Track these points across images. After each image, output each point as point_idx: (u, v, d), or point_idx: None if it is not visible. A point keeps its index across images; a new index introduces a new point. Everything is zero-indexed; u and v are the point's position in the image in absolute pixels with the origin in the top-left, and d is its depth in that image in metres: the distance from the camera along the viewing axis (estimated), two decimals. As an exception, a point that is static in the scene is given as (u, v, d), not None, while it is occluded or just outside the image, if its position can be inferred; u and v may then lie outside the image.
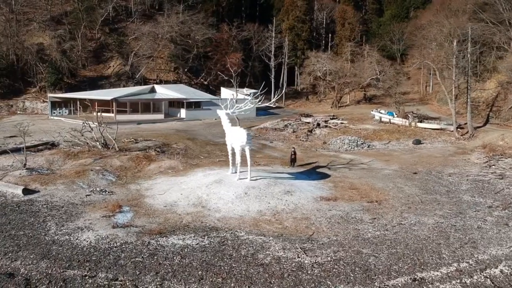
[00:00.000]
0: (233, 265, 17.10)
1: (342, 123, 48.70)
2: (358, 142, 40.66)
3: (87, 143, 36.82)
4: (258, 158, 36.61)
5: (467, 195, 26.24)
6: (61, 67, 66.77)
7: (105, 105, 56.95)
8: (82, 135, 37.40)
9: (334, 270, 16.68)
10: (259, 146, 41.89)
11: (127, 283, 16.04)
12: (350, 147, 40.15)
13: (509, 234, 20.33)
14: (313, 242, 19.25)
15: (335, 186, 27.85)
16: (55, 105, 60.05)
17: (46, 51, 67.90)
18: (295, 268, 16.79)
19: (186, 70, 76.81)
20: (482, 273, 16.85)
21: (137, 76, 71.36)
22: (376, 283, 15.64)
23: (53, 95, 61.33)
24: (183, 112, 58.87)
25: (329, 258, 17.51)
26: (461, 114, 52.66)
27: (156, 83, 72.67)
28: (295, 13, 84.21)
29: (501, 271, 16.95)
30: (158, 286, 15.82)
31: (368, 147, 40.51)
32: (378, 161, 35.45)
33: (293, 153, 33.91)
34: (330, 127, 47.67)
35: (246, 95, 67.03)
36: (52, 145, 39.53)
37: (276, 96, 36.18)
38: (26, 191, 25.02)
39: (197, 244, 18.89)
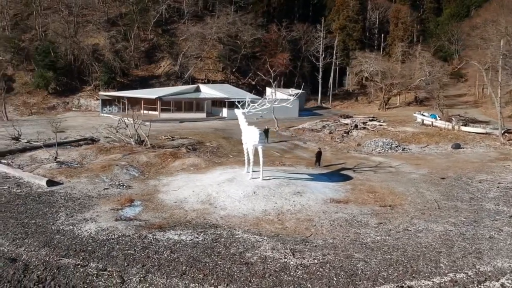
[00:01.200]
0: (219, 262, 17.27)
1: (381, 125, 47.36)
2: (392, 145, 39.38)
3: (123, 140, 38.30)
4: (285, 158, 36.54)
5: (491, 203, 24.74)
6: (114, 66, 69.90)
7: (151, 103, 59.00)
8: (117, 132, 38.98)
9: (318, 273, 16.41)
10: (291, 146, 41.73)
11: (114, 274, 16.66)
12: (383, 150, 38.99)
13: (522, 246, 18.98)
14: (307, 243, 19.02)
15: (353, 189, 27.24)
16: (106, 103, 63.00)
17: (101, 51, 71.34)
18: (278, 268, 16.69)
19: (234, 70, 77.80)
20: (479, 285, 15.95)
21: (185, 76, 73.24)
22: (355, 289, 15.26)
23: (103, 93, 64.38)
24: (224, 112, 59.72)
25: (316, 261, 17.24)
26: (512, 118, 49.55)
27: (204, 83, 74.25)
28: (346, 12, 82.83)
29: (502, 284, 15.96)
30: (142, 278, 16.29)
31: (403, 150, 39.13)
32: (408, 165, 34.20)
33: (318, 153, 33.54)
34: (367, 129, 46.53)
35: (290, 95, 66.88)
36: (92, 141, 41.53)
37: (295, 96, 35.70)
38: (50, 183, 26.51)
39: (191, 240, 19.23)
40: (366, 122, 48.06)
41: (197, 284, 15.77)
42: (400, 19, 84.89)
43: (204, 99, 60.39)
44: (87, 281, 16.42)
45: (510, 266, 17.19)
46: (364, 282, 15.94)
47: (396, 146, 39.30)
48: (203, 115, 58.94)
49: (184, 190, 25.79)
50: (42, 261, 17.74)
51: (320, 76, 77.79)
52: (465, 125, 45.37)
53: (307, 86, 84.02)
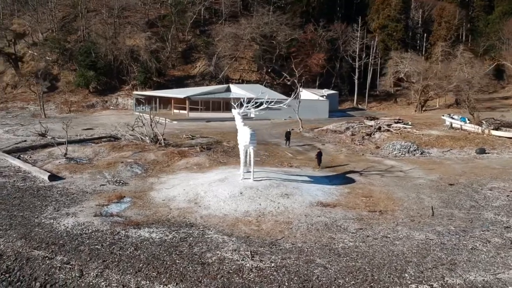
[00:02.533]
0: (177, 261, 17.36)
1: (405, 127, 45.66)
2: (411, 149, 37.83)
3: (140, 138, 39.27)
4: (297, 159, 36.07)
5: (492, 213, 23.26)
6: (150, 67, 71.79)
7: (181, 102, 60.15)
8: (133, 129, 40.01)
9: (270, 276, 16.13)
10: (307, 148, 41.16)
11: (75, 267, 17.15)
12: (400, 153, 37.54)
13: (507, 260, 17.72)
14: (273, 246, 18.74)
15: (349, 193, 26.51)
16: (140, 102, 64.83)
17: (139, 52, 73.46)
18: (232, 270, 16.56)
19: (269, 70, 77.72)
20: (441, 299, 15.12)
21: (220, 76, 73.99)
22: (299, 295, 14.88)
23: (137, 93, 66.33)
24: (252, 111, 59.60)
25: (273, 264, 16.94)
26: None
27: (238, 83, 74.71)
28: (387, 11, 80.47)
29: (467, 299, 15.02)
30: (98, 273, 16.68)
31: (421, 154, 37.49)
32: (420, 170, 32.77)
33: (318, 153, 32.98)
34: (391, 131, 45.01)
35: (322, 96, 66.08)
36: (115, 138, 42.85)
37: (293, 95, 35.10)
38: (52, 178, 27.65)
39: (160, 238, 19.43)
40: (391, 125, 46.49)
41: (148, 282, 15.92)
42: (443, 17, 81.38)
43: (231, 99, 60.63)
44: (49, 273, 16.97)
45: (483, 280, 16.13)
46: (321, 285, 15.50)
47: (414, 150, 37.72)
48: (230, 114, 59.06)
49: (176, 188, 26.10)
50: (15, 252, 18.54)
51: (356, 77, 76.11)
52: (497, 129, 42.81)
53: (344, 86, 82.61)
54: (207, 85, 71.70)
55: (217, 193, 24.34)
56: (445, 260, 17.56)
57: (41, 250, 18.47)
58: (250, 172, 26.83)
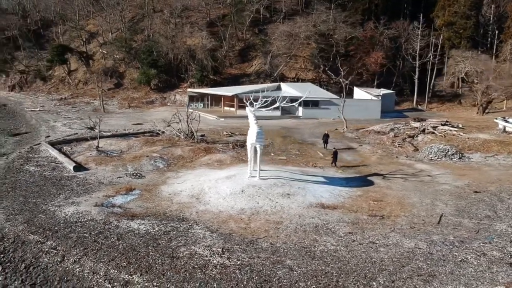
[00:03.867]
0: (151, 253, 17.93)
1: (451, 130, 43.00)
2: (449, 152, 35.57)
3: (176, 134, 40.60)
4: (325, 160, 35.29)
5: (506, 224, 21.41)
6: (206, 65, 73.62)
7: (231, 100, 61.10)
8: (169, 125, 41.42)
9: (232, 274, 16.21)
10: (344, 147, 40.13)
11: (59, 253, 18.32)
12: (436, 157, 35.43)
13: (497, 275, 16.39)
14: (250, 245, 18.72)
15: (360, 196, 25.67)
16: (193, 99, 66.76)
17: (197, 51, 75.56)
18: (197, 265, 16.85)
19: (326, 69, 76.46)
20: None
21: (274, 75, 74.14)
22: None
23: (191, 90, 68.32)
24: (300, 110, 59.31)
25: (238, 262, 16.98)
26: None
27: (294, 82, 74.42)
28: (454, 8, 75.84)
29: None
30: (76, 260, 17.70)
31: (460, 158, 35.12)
32: (450, 175, 30.79)
33: (334, 153, 32.95)
34: (435, 133, 42.60)
35: (376, 95, 64.08)
36: (157, 133, 44.53)
37: (304, 97, 34.18)
38: (77, 169, 29.46)
39: (145, 230, 20.13)
40: (436, 127, 44.00)
41: (115, 271, 16.65)
42: (517, 13, 75.09)
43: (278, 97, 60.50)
44: (36, 257, 18.28)
45: (459, 295, 15.05)
46: (280, 286, 15.34)
47: (452, 154, 35.44)
48: (277, 113, 59.15)
49: (186, 183, 26.74)
50: (15, 235, 20.13)
51: (416, 76, 72.66)
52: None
53: (406, 86, 79.35)
54: (261, 83, 72.05)
55: (219, 189, 24.63)
56: (424, 271, 16.56)
57: (36, 235, 19.85)
58: (259, 170, 26.90)
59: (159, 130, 42.31)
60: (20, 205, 23.29)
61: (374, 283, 15.68)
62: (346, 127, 50.20)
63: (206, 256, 17.42)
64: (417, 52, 70.99)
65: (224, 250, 17.90)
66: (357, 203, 24.37)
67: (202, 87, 73.56)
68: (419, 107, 72.19)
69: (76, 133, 45.53)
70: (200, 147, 35.79)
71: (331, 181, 28.04)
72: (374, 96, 63.56)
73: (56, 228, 20.36)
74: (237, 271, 16.31)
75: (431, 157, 35.34)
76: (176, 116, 41.09)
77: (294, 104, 30.23)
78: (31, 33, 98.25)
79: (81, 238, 19.23)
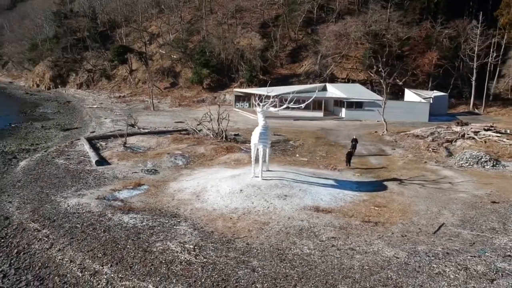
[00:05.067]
0: (127, 246, 18.75)
1: (493, 136, 40.25)
2: (482, 159, 33.37)
3: (206, 132, 41.57)
4: (343, 163, 34.49)
5: (509, 239, 19.96)
6: (255, 65, 74.33)
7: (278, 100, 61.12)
8: (199, 124, 42.44)
9: (194, 271, 16.59)
10: (374, 151, 39.06)
11: (49, 241, 19.67)
12: (467, 163, 33.37)
13: (472, 291, 15.47)
14: (225, 244, 18.97)
15: (364, 201, 24.99)
16: (240, 98, 67.69)
17: (247, 51, 76.48)
18: (164, 261, 17.39)
19: (379, 69, 74.30)
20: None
21: (324, 75, 73.31)
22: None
23: (237, 90, 69.28)
24: (343, 112, 58.24)
25: (204, 260, 17.30)
26: None
27: (344, 82, 73.21)
28: (524, 4, 70.79)
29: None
30: (61, 248, 18.91)
31: (493, 166, 32.83)
32: (474, 183, 28.95)
33: (348, 153, 32.68)
34: (475, 139, 40.12)
35: (425, 98, 61.52)
36: (194, 131, 45.76)
37: (309, 100, 33.24)
38: (99, 163, 31.12)
39: (134, 224, 21.00)
40: (478, 132, 41.41)
41: (90, 261, 17.60)
42: None
43: (321, 98, 59.87)
44: (29, 243, 19.74)
45: (419, 309, 14.41)
46: (236, 286, 15.52)
47: (486, 161, 33.23)
48: (319, 114, 58.56)
49: (193, 181, 27.41)
50: (19, 222, 21.83)
51: (474, 78, 68.60)
52: None
53: (465, 88, 75.34)
54: (310, 83, 71.59)
55: (220, 188, 25.01)
56: (391, 281, 15.94)
57: (36, 223, 21.36)
58: (268, 170, 27.12)
59: (191, 129, 43.38)
60: (34, 195, 25.06)
61: (331, 291, 15.31)
62: (386, 130, 48.66)
63: (177, 252, 17.86)
64: (475, 52, 67.00)
65: (195, 247, 18.25)
66: (357, 208, 23.73)
67: (252, 87, 74.31)
68: (476, 110, 68.16)
69: (120, 129, 47.74)
70: (222, 146, 36.37)
71: (340, 184, 27.46)
72: (424, 98, 60.91)
73: (55, 217, 21.73)
74: (199, 269, 16.60)
75: (462, 164, 33.45)
76: (208, 115, 41.94)
77: (297, 106, 29.46)
78: (98, 35, 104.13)
79: (72, 228, 20.41)
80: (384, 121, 49.22)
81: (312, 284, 15.70)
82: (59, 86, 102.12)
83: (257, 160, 26.54)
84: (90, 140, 38.96)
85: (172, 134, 43.20)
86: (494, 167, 32.78)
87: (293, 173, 28.24)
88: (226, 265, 16.87)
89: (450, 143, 40.25)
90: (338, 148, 40.82)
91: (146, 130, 44.89)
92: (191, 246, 18.31)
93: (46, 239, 19.76)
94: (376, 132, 48.75)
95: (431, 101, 61.19)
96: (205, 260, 17.24)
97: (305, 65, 77.80)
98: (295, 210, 22.65)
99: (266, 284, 15.66)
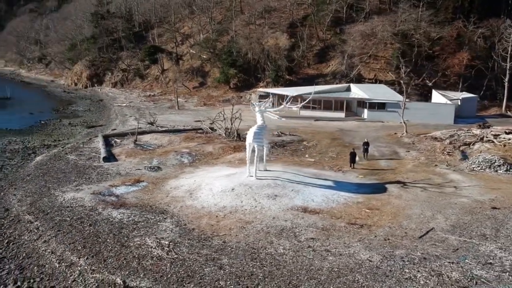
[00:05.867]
0: (107, 240, 19.37)
1: (514, 139, 38.53)
2: (495, 163, 32.03)
3: (219, 132, 42.02)
4: (358, 164, 33.99)
5: (496, 245, 19.15)
6: (281, 65, 74.28)
7: (296, 100, 60.89)
8: (212, 123, 42.92)
9: (162, 267, 16.99)
10: (387, 154, 38.24)
11: (38, 232, 20.55)
12: (479, 167, 32.15)
13: (438, 298, 15.10)
14: (201, 241, 19.25)
15: (358, 203, 24.63)
16: (263, 98, 67.70)
17: (272, 51, 76.48)
18: (138, 255, 17.86)
19: (409, 70, 72.68)
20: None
21: (351, 75, 72.36)
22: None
23: (260, 90, 69.38)
24: (365, 112, 57.24)
25: (175, 256, 17.65)
26: None
27: (372, 83, 72.03)
28: None
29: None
30: (47, 239, 19.74)
31: (506, 171, 31.40)
32: (480, 188, 27.87)
33: (351, 153, 32.88)
34: (494, 142, 38.58)
35: (451, 100, 59.68)
36: (212, 130, 46.25)
37: (305, 101, 32.70)
38: (106, 159, 32.08)
39: (120, 219, 21.61)
40: (498, 135, 39.77)
41: (69, 253, 18.33)
42: None
43: (343, 99, 59.04)
44: (20, 234, 20.73)
45: (378, 313, 14.23)
46: (199, 283, 15.78)
47: (499, 165, 31.92)
48: (341, 114, 57.82)
49: (191, 179, 27.83)
50: (16, 214, 22.91)
51: (506, 80, 65.83)
52: None
53: (500, 90, 72.37)
54: (337, 83, 70.82)
55: (213, 186, 25.29)
56: (357, 284, 15.76)
57: (31, 215, 22.35)
58: (266, 169, 27.29)
59: (205, 128, 43.92)
60: (37, 189, 26.16)
61: (291, 290, 15.28)
62: (406, 131, 47.50)
63: (151, 247, 18.27)
64: (508, 52, 64.35)
65: (170, 243, 18.58)
66: (347, 209, 23.44)
67: (278, 86, 74.27)
68: (508, 113, 65.38)
69: (140, 127, 48.87)
70: (230, 145, 36.64)
71: (338, 185, 27.16)
72: (450, 100, 59.04)
73: (49, 210, 22.64)
74: (168, 264, 16.94)
75: (473, 167, 32.34)
76: (221, 115, 42.35)
77: (295, 106, 29.28)
78: (133, 35, 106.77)
79: (61, 221, 21.22)
80: (404, 122, 48.08)
81: (275, 284, 15.70)
82: (95, 85, 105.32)
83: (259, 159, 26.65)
84: (106, 137, 40.07)
85: (187, 132, 43.81)
86: (508, 172, 31.49)
87: (292, 173, 28.13)
88: (195, 261, 17.11)
89: (467, 146, 38.92)
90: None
91: (163, 128, 45.74)
92: (167, 242, 18.65)
93: (36, 231, 20.60)
94: (395, 133, 47.69)
95: (459, 103, 59.20)
96: (176, 256, 17.54)
97: (332, 65, 76.99)
98: (282, 210, 22.61)
99: (229, 282, 15.79)
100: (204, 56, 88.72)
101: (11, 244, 19.89)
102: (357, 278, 16.08)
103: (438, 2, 77.85)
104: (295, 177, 27.28)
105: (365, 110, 57.05)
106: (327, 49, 79.17)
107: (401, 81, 51.39)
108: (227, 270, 16.53)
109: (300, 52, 76.56)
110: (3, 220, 22.41)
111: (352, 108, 60.88)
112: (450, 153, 37.32)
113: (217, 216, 22.10)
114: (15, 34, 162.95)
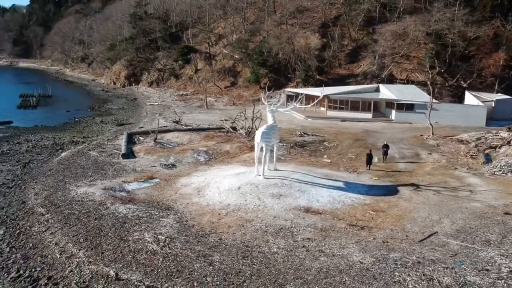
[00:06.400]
0: (109, 234, 20.12)
1: (544, 142, 36.91)
2: (519, 167, 31.00)
3: (240, 132, 42.46)
4: (375, 166, 33.59)
5: (498, 252, 18.56)
6: (310, 65, 73.97)
7: (323, 100, 60.51)
8: (233, 122, 43.35)
9: (155, 261, 17.50)
10: (408, 156, 37.57)
11: (48, 224, 21.56)
12: (500, 172, 31.02)
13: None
14: (198, 238, 19.67)
15: (365, 204, 24.41)
16: (291, 98, 67.60)
17: (302, 51, 76.24)
18: (133, 249, 18.50)
19: (442, 70, 70.81)
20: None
21: (382, 76, 71.17)
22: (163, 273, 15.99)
23: (288, 90, 69.25)
24: (393, 114, 56.15)
25: (169, 252, 18.11)
26: None
27: (403, 83, 70.62)
28: None
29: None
30: (53, 231, 20.70)
31: (530, 175, 30.39)
32: (497, 192, 26.89)
33: (368, 155, 32.57)
34: (522, 145, 37.10)
35: (484, 101, 57.79)
36: (233, 129, 46.83)
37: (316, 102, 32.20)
38: (125, 156, 33.09)
39: (125, 213, 22.33)
40: (528, 138, 38.21)
41: (71, 245, 19.21)
42: None
43: (371, 99, 58.13)
44: (31, 225, 21.80)
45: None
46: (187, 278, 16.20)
47: (522, 169, 30.84)
48: (368, 115, 56.94)
49: (202, 177, 28.32)
50: (31, 206, 24.06)
51: (546, 81, 63.10)
52: None
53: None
54: (368, 84, 69.85)
55: (221, 185, 25.65)
56: (342, 286, 15.75)
57: (43, 208, 23.43)
58: (276, 169, 27.53)
59: (227, 127, 44.44)
60: (54, 183, 27.32)
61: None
62: (432, 133, 46.40)
63: (148, 242, 18.82)
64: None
65: (167, 239, 19.05)
66: (352, 211, 23.28)
67: (308, 87, 74.00)
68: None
69: (166, 126, 49.96)
70: (247, 145, 36.92)
71: (349, 187, 26.96)
72: (483, 101, 57.11)
73: (60, 204, 23.65)
74: (161, 259, 17.42)
75: (494, 171, 31.33)
76: (242, 114, 42.73)
77: (304, 106, 29.16)
78: (169, 36, 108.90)
79: (70, 215, 22.13)
80: (430, 124, 46.96)
81: (261, 282, 15.88)
82: (133, 84, 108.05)
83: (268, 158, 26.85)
84: (131, 135, 41.16)
85: (208, 131, 44.43)
86: (530, 176, 30.30)
87: (302, 173, 28.12)
88: (186, 257, 17.50)
89: (493, 150, 37.65)
90: (372, 151, 39.63)
91: (187, 127, 46.54)
92: (163, 238, 19.12)
93: (45, 223, 21.58)
94: (421, 135, 46.66)
95: (493, 105, 57.19)
96: (169, 251, 17.99)
97: (363, 65, 75.94)
98: (284, 209, 22.69)
99: (216, 279, 16.09)
100: (236, 56, 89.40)
101: (21, 235, 20.93)
102: (344, 280, 16.02)
103: (476, 0, 75.43)
104: (304, 177, 27.25)
105: (393, 111, 56.03)
106: (359, 49, 78.12)
107: (428, 82, 50.09)
108: (216, 267, 16.82)
109: (331, 52, 75.88)
110: (19, 212, 23.56)
111: (381, 109, 59.93)
112: (473, 156, 36.25)
113: (219, 214, 22.42)
114: (61, 34, 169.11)
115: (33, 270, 17.59)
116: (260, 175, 26.35)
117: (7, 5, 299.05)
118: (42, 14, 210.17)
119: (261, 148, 26.41)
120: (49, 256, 18.46)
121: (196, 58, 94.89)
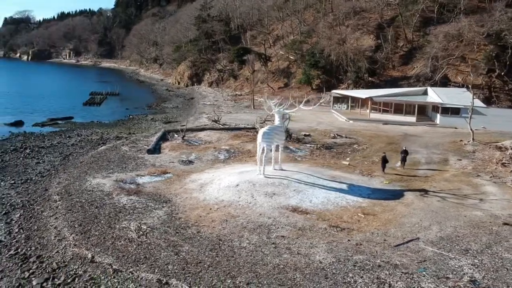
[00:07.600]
0: (102, 221, 22.02)
1: None
2: (545, 178, 29.13)
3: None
4: (393, 169, 33.20)
5: (471, 262, 18.18)
6: (361, 67, 73.00)
7: (372, 103, 59.77)
8: (263, 122, 44.28)
9: (128, 248, 19.04)
10: (435, 160, 36.58)
11: (56, 210, 23.91)
12: (525, 181, 29.49)
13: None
14: (178, 229, 21.02)
15: (359, 207, 24.45)
16: (338, 100, 67.29)
17: (351, 52, 75.34)
18: (114, 236, 20.19)
19: (502, 73, 66.99)
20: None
21: (436, 78, 68.66)
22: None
23: (335, 92, 68.77)
24: (437, 117, 54.15)
25: (144, 240, 19.61)
26: None
27: (458, 87, 67.73)
28: None
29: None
30: (58, 217, 23.00)
31: (556, 187, 28.46)
32: (507, 202, 25.56)
33: (382, 158, 32.19)
34: (562, 154, 34.61)
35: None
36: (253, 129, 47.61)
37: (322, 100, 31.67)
38: (151, 152, 35.24)
39: (124, 204, 24.18)
40: None
41: (66, 229, 21.25)
42: None
43: (414, 102, 56.38)
44: (43, 210, 24.24)
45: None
46: (151, 265, 17.63)
47: (549, 180, 28.99)
48: (412, 118, 55.29)
49: (211, 174, 29.66)
50: (50, 194, 26.62)
51: None
52: None
53: None
54: (420, 86, 67.77)
55: (222, 182, 26.82)
56: (291, 282, 16.44)
57: (58, 196, 25.91)
58: (281, 169, 28.33)
59: (257, 127, 45.40)
60: (77, 174, 29.92)
61: (229, 281, 16.37)
62: (473, 139, 44.44)
63: (130, 231, 20.43)
64: None
65: (148, 228, 20.55)
66: (341, 212, 23.50)
67: (358, 88, 73.22)
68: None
69: (206, 124, 52.02)
70: (269, 145, 37.65)
71: (351, 189, 27.05)
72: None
73: (73, 192, 26.01)
74: (134, 246, 18.92)
75: (518, 181, 29.81)
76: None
77: (308, 108, 29.45)
78: (229, 37, 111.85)
79: (76, 203, 24.37)
80: (471, 129, 44.97)
81: (215, 273, 16.87)
82: (195, 84, 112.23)
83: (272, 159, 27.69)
84: (166, 132, 43.46)
85: (240, 131, 45.70)
86: (557, 188, 28.48)
87: (306, 174, 28.57)
88: (158, 246, 18.87)
89: (531, 158, 35.58)
90: (399, 156, 38.90)
91: (225, 127, 48.16)
92: (145, 227, 20.62)
93: (55, 209, 23.94)
94: (461, 141, 44.83)
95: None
96: (145, 240, 19.47)
97: (417, 67, 73.60)
98: (272, 208, 23.40)
99: (175, 267, 17.31)
100: (291, 57, 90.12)
101: (32, 218, 23.39)
102: (295, 277, 16.57)
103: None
104: (307, 178, 27.69)
105: (438, 115, 54.13)
106: (414, 51, 75.83)
107: (469, 85, 47.89)
108: (181, 256, 18.01)
109: (383, 53, 74.34)
110: (39, 198, 26.17)
111: (428, 112, 58.02)
112: (505, 164, 34.54)
113: (210, 209, 23.58)
114: (138, 36, 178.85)
115: (28, 249, 19.73)
116: (261, 174, 27.15)
117: (95, 8, 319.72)
118: (124, 16, 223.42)
119: (263, 148, 27.19)
120: (46, 237, 20.59)
121: (252, 60, 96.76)
